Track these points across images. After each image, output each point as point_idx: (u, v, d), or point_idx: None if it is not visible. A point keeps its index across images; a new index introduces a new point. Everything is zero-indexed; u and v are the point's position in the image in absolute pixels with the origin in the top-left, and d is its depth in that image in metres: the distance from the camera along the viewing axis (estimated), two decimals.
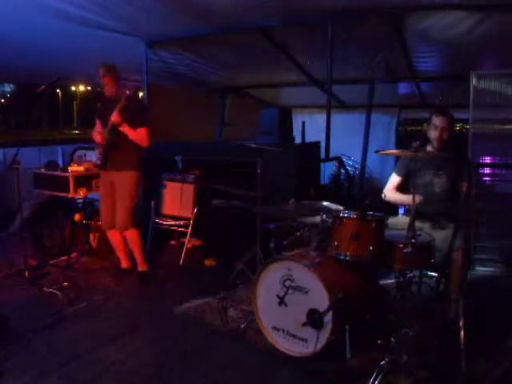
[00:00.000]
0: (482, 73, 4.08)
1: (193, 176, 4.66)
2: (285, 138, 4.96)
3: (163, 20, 4.11)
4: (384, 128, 7.20)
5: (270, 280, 2.82)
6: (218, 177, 4.75)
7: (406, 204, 3.34)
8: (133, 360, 2.71)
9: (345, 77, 5.78)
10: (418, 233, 2.60)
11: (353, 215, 2.73)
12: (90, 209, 4.76)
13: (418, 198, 2.86)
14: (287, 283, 2.73)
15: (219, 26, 4.24)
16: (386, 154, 2.85)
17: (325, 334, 2.53)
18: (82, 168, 4.41)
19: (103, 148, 3.79)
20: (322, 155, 4.95)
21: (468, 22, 3.72)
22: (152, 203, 4.65)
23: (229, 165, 4.80)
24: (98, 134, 3.78)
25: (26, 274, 3.82)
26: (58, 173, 4.39)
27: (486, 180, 4.25)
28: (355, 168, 6.96)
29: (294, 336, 2.71)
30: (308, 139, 5.54)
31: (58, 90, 26.07)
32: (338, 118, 6.63)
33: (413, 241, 2.54)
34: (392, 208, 3.44)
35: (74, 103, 28.83)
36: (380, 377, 2.37)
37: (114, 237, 4.02)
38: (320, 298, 2.55)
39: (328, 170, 6.52)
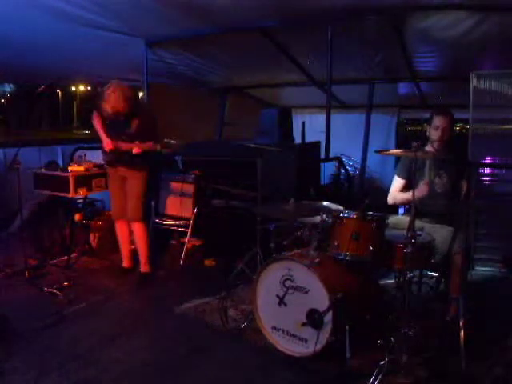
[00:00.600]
0: (482, 73, 4.08)
1: (193, 176, 4.66)
2: (285, 137, 4.97)
3: (163, 20, 4.11)
4: (384, 128, 7.19)
5: (270, 280, 2.82)
6: (218, 177, 4.75)
7: (411, 200, 3.33)
8: (133, 360, 2.71)
9: (345, 77, 5.78)
10: (418, 233, 2.60)
11: (353, 215, 2.73)
12: (90, 209, 4.76)
13: (423, 189, 2.86)
14: (287, 283, 2.73)
15: (219, 26, 4.24)
16: (386, 154, 2.84)
17: (325, 334, 2.54)
18: (81, 168, 4.41)
19: (114, 154, 3.80)
20: (322, 155, 4.96)
21: (468, 23, 3.72)
22: (152, 203, 4.65)
23: (229, 165, 4.80)
24: (111, 147, 3.76)
25: (26, 273, 3.82)
26: (58, 173, 4.39)
27: (485, 180, 4.25)
28: (355, 168, 6.97)
29: (293, 336, 2.71)
30: (308, 139, 5.54)
31: (57, 90, 26.06)
32: (338, 118, 6.63)
33: (413, 241, 2.54)
34: (392, 208, 3.43)
35: (74, 103, 28.84)
36: (380, 377, 2.37)
37: (121, 228, 4.05)
38: (320, 298, 2.56)
39: (328, 170, 6.51)
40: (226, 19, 4.06)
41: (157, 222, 4.63)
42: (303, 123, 5.89)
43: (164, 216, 4.68)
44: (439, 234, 3.03)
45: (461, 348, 2.53)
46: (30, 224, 4.49)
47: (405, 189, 3.28)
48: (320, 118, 6.64)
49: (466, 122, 6.49)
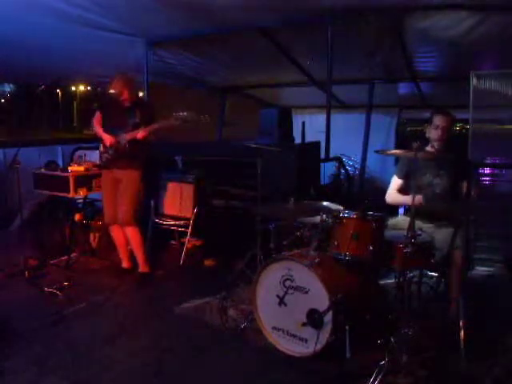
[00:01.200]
0: (482, 73, 4.08)
1: (193, 176, 4.66)
2: (285, 137, 4.97)
3: (163, 20, 4.11)
4: (384, 128, 7.21)
5: (270, 280, 2.82)
6: (218, 177, 4.75)
7: (407, 205, 3.34)
8: (133, 360, 2.71)
9: (345, 77, 5.78)
10: (418, 233, 2.60)
11: (353, 215, 2.72)
12: (90, 209, 4.76)
13: (418, 199, 2.86)
14: (287, 283, 2.73)
15: (219, 25, 4.24)
16: (386, 154, 2.84)
17: (325, 334, 2.53)
18: (82, 168, 4.41)
19: (114, 151, 3.80)
20: (322, 155, 4.96)
21: (468, 22, 3.73)
22: (152, 203, 4.65)
23: (229, 165, 4.80)
24: (112, 140, 3.77)
25: (26, 274, 3.82)
26: (58, 173, 4.39)
27: (485, 180, 4.25)
28: (355, 168, 6.97)
29: (294, 336, 2.71)
30: (308, 139, 5.55)
31: (57, 90, 26.03)
32: (338, 118, 6.62)
33: (413, 241, 2.54)
34: (392, 208, 3.44)
35: (74, 103, 28.81)
36: (380, 377, 2.37)
37: (116, 233, 4.04)
38: (320, 297, 2.55)
39: (328, 170, 6.52)
40: (226, 19, 4.06)
41: (157, 222, 4.63)
42: (303, 123, 5.89)
43: (164, 216, 4.67)
44: (439, 233, 3.03)
45: (461, 348, 2.53)
46: (30, 224, 4.49)
47: (403, 189, 3.28)
48: (320, 118, 6.64)
49: (466, 122, 6.49)
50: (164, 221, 4.63)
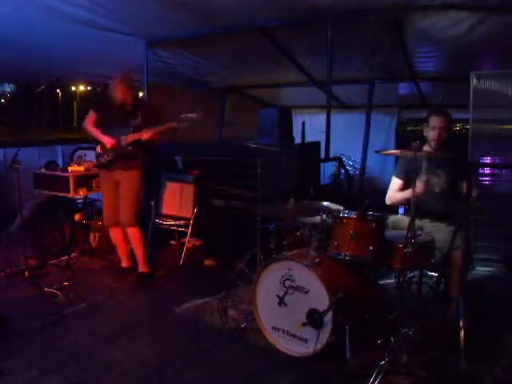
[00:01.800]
0: (482, 73, 4.08)
1: (193, 176, 4.66)
2: (285, 137, 4.96)
3: (163, 20, 4.11)
4: (384, 128, 7.20)
5: (270, 280, 2.82)
6: (218, 177, 4.75)
7: (408, 200, 3.33)
8: (133, 360, 2.71)
9: (345, 77, 5.78)
10: (418, 233, 2.60)
11: (353, 215, 2.73)
12: (90, 209, 4.76)
13: (420, 186, 2.86)
14: (287, 283, 2.73)
15: (219, 25, 4.24)
16: (386, 154, 2.84)
17: (325, 334, 2.54)
18: (81, 168, 4.41)
19: (114, 152, 3.79)
20: (322, 155, 4.95)
21: (468, 22, 3.73)
22: (152, 203, 4.65)
23: (229, 165, 4.80)
24: (113, 142, 3.76)
25: (26, 273, 3.82)
26: (58, 173, 4.39)
27: (485, 180, 4.25)
28: (355, 168, 6.97)
29: (294, 336, 2.71)
30: (308, 139, 5.54)
31: (57, 90, 26.04)
32: (338, 118, 6.62)
33: (413, 241, 2.54)
34: (392, 208, 3.44)
35: (74, 103, 28.81)
36: (380, 377, 2.37)
37: (115, 234, 4.03)
38: (320, 297, 2.56)
39: (328, 170, 6.52)
40: (226, 19, 4.06)
41: (157, 222, 4.63)
42: (303, 123, 5.89)
43: (164, 216, 4.68)
44: (439, 232, 3.03)
45: (461, 348, 2.53)
46: (30, 224, 4.48)
47: (402, 189, 3.28)
48: (320, 118, 6.63)
49: (466, 122, 6.50)
50: (164, 221, 4.63)
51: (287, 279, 2.73)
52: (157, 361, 2.70)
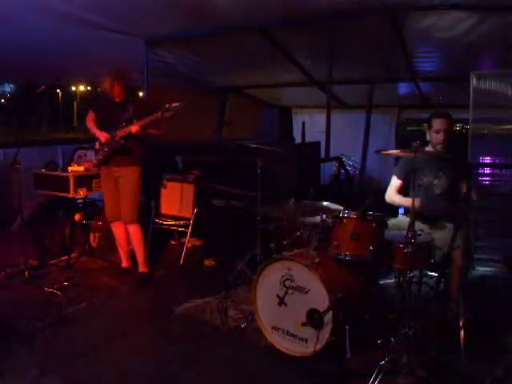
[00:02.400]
0: (482, 73, 4.08)
1: (193, 176, 4.66)
2: (285, 137, 4.97)
3: (163, 20, 4.11)
4: (384, 128, 7.20)
5: (270, 280, 2.82)
6: (218, 177, 4.75)
7: (406, 206, 3.34)
8: (133, 360, 2.71)
9: (345, 77, 5.78)
10: (418, 233, 2.60)
11: (353, 215, 2.73)
12: (90, 209, 4.76)
13: (417, 201, 2.85)
14: (287, 283, 2.73)
15: (219, 26, 4.24)
16: (386, 154, 2.85)
17: (325, 334, 2.54)
18: (81, 168, 4.41)
19: (110, 148, 3.80)
20: (322, 155, 4.96)
21: (468, 22, 3.73)
22: (152, 203, 4.65)
23: (229, 165, 4.80)
24: (107, 137, 3.77)
25: (26, 274, 3.81)
26: (58, 173, 4.39)
27: (485, 180, 4.25)
28: (355, 168, 6.97)
29: (294, 336, 2.71)
30: (308, 139, 5.55)
31: (57, 90, 26.04)
32: (338, 118, 6.63)
33: (413, 241, 2.54)
34: (392, 208, 3.44)
35: (74, 103, 28.81)
36: (380, 377, 2.37)
37: (118, 230, 4.04)
38: (320, 297, 2.56)
39: (328, 170, 6.52)
40: (226, 19, 4.06)
41: (157, 222, 4.63)
42: (303, 123, 5.90)
43: (164, 216, 4.67)
44: (439, 232, 3.03)
45: (461, 348, 2.53)
46: (30, 224, 4.48)
47: (402, 189, 3.28)
48: (320, 118, 6.64)
49: (466, 122, 6.49)
50: (164, 221, 4.63)
51: (287, 279, 2.73)
52: (157, 361, 2.70)
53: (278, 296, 2.77)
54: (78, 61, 4.96)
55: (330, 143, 4.26)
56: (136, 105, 3.81)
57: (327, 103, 4.29)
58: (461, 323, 2.57)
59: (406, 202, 3.13)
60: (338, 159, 5.75)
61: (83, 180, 4.35)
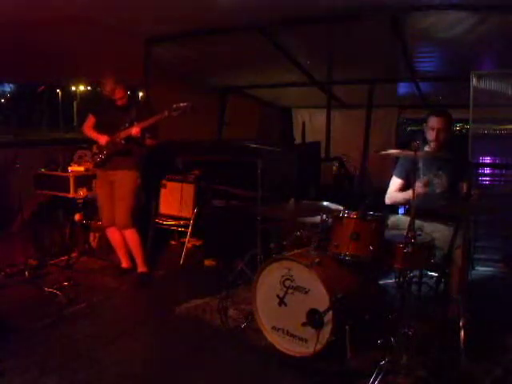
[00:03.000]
0: (482, 73, 4.08)
1: (193, 176, 4.66)
2: (285, 137, 4.97)
3: (163, 19, 4.11)
4: (384, 128, 7.20)
5: (270, 280, 2.82)
6: (218, 177, 4.75)
7: (408, 202, 3.33)
8: (133, 360, 2.71)
9: (345, 77, 5.78)
10: (418, 233, 2.60)
11: (353, 215, 2.72)
12: (90, 209, 4.76)
13: (420, 187, 2.85)
14: (287, 283, 2.73)
15: (219, 25, 4.25)
16: (386, 155, 2.85)
17: (325, 334, 2.53)
18: (81, 168, 4.41)
19: (108, 151, 3.79)
20: (322, 155, 4.97)
21: (468, 22, 3.73)
22: (152, 203, 4.65)
23: (229, 165, 4.80)
24: (107, 139, 3.76)
25: (26, 273, 3.81)
26: (58, 173, 4.39)
27: (485, 180, 4.25)
28: (355, 168, 6.97)
29: (293, 336, 2.71)
30: (308, 139, 5.55)
31: (57, 90, 26.05)
32: (338, 118, 6.64)
33: (413, 241, 2.54)
34: (392, 208, 3.44)
35: (74, 103, 28.80)
36: (380, 377, 2.37)
37: (113, 235, 4.02)
38: (320, 297, 2.55)
39: (328, 169, 6.51)
40: (226, 19, 4.07)
41: (157, 222, 4.63)
42: (303, 123, 5.90)
43: (164, 216, 4.68)
44: (439, 232, 3.03)
45: (461, 348, 2.53)
46: (30, 224, 4.48)
47: (402, 189, 3.28)
48: (320, 118, 6.65)
49: (466, 122, 6.49)
50: (164, 221, 4.63)
51: (287, 279, 2.73)
52: (157, 361, 2.71)
53: (277, 296, 2.77)
54: (78, 61, 4.96)
55: (330, 143, 4.26)
56: (138, 107, 3.80)
57: (327, 103, 4.29)
58: (461, 323, 2.57)
59: (408, 194, 3.12)
60: (338, 159, 5.74)
61: (83, 180, 4.35)
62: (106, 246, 4.53)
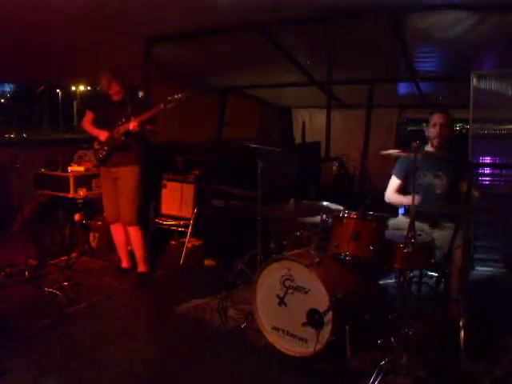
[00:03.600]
0: (482, 73, 4.08)
1: (193, 176, 4.66)
2: (285, 137, 4.97)
3: (163, 19, 4.11)
4: (384, 128, 7.20)
5: (270, 280, 2.82)
6: (218, 177, 4.75)
7: (406, 205, 3.34)
8: (133, 360, 2.71)
9: (345, 77, 5.78)
10: (418, 233, 2.60)
11: (353, 215, 2.73)
12: (90, 209, 4.76)
13: (417, 199, 2.85)
14: (287, 283, 2.73)
15: (219, 25, 4.24)
16: (386, 155, 2.85)
17: (325, 334, 2.53)
18: (82, 168, 4.41)
19: (110, 145, 3.79)
20: (322, 155, 4.97)
21: (468, 22, 3.72)
22: (152, 203, 4.65)
23: (229, 165, 4.80)
24: (106, 134, 3.76)
25: (26, 273, 3.82)
26: (58, 173, 4.39)
27: (485, 180, 4.25)
28: (355, 168, 6.97)
29: (293, 336, 2.71)
30: (308, 139, 5.55)
31: (58, 90, 26.06)
32: (338, 118, 6.64)
33: (413, 241, 2.54)
34: (392, 208, 3.44)
35: (74, 103, 28.81)
36: (380, 377, 2.37)
37: (117, 231, 4.03)
38: (320, 297, 2.55)
39: (328, 169, 6.51)
40: (226, 19, 4.06)
41: (157, 222, 4.63)
42: (303, 123, 5.89)
43: (164, 216, 4.68)
44: (439, 232, 3.03)
45: (461, 348, 2.53)
46: (30, 224, 4.48)
47: (401, 189, 3.29)
48: (320, 118, 6.65)
49: (466, 122, 6.49)
50: (164, 221, 4.63)
51: (287, 279, 2.73)
52: (157, 361, 2.70)
53: (277, 296, 2.77)
54: (78, 61, 4.96)
55: (330, 143, 4.26)
56: (134, 102, 3.79)
57: (327, 103, 4.29)
58: (461, 323, 2.57)
59: (405, 199, 3.15)
60: (338, 159, 5.75)
61: (83, 180, 4.35)
62: (106, 246, 4.53)
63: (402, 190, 3.30)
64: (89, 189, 4.39)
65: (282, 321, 2.76)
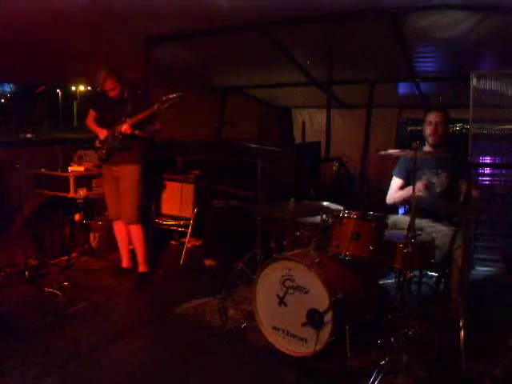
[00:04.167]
0: (482, 73, 4.07)
1: (193, 176, 4.66)
2: (285, 137, 4.97)
3: (163, 20, 4.11)
4: (384, 128, 7.20)
5: (270, 280, 2.82)
6: (218, 177, 4.75)
7: (409, 197, 3.34)
8: (133, 360, 2.71)
9: (345, 77, 5.78)
10: (418, 233, 2.60)
11: (353, 215, 2.73)
12: (90, 209, 4.76)
13: (421, 185, 2.88)
14: (287, 283, 2.73)
15: (219, 25, 4.24)
16: (386, 155, 2.85)
17: (325, 334, 2.54)
18: (82, 168, 4.41)
19: (109, 145, 3.80)
20: (322, 155, 4.96)
21: (468, 22, 3.73)
22: (152, 203, 4.65)
23: (229, 165, 4.80)
24: (105, 134, 3.78)
25: (26, 274, 3.81)
26: (58, 173, 4.39)
27: (485, 180, 4.25)
28: (355, 168, 6.96)
29: (293, 336, 2.71)
30: (308, 139, 5.55)
31: (58, 90, 26.10)
32: (338, 118, 6.63)
33: (413, 241, 2.54)
34: (392, 208, 3.44)
35: (74, 103, 28.84)
36: (380, 377, 2.37)
37: (119, 229, 4.04)
38: (320, 297, 2.56)
39: (328, 169, 6.51)
40: (226, 19, 4.06)
41: (157, 222, 4.62)
42: (303, 123, 5.89)
43: (164, 216, 4.67)
44: (439, 232, 3.03)
45: (461, 348, 2.53)
46: (30, 224, 4.48)
47: (402, 189, 3.29)
48: (320, 118, 6.65)
49: (466, 122, 6.49)
50: (164, 221, 4.63)
51: (287, 279, 2.73)
52: (157, 361, 2.70)
53: (277, 296, 2.77)
54: (78, 61, 4.96)
55: (330, 143, 4.26)
56: (134, 101, 3.79)
57: (327, 103, 4.29)
58: (461, 323, 2.57)
59: (405, 191, 3.17)
60: (338, 159, 5.74)
61: (83, 180, 4.34)
62: (106, 246, 4.53)
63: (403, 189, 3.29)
64: (89, 189, 4.39)
65: (282, 321, 2.76)
